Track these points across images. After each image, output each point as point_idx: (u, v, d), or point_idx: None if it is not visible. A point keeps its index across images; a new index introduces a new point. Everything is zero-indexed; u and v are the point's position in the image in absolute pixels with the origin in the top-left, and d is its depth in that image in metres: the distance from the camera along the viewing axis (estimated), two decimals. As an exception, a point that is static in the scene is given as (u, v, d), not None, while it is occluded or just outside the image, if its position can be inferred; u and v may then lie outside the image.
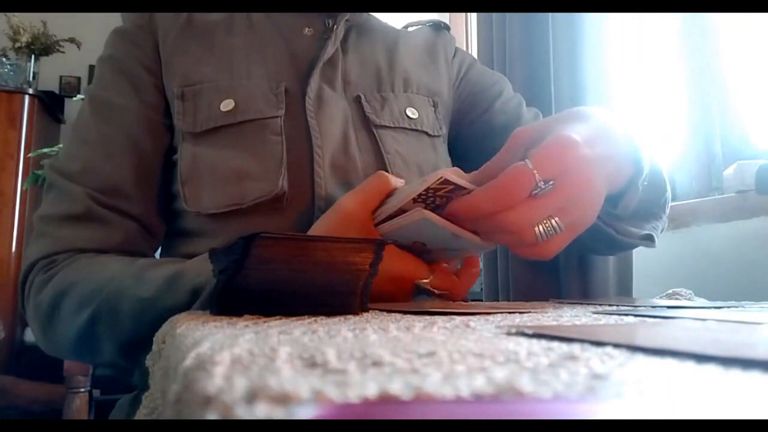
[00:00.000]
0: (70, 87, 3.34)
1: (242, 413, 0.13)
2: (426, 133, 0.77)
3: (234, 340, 0.23)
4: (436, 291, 0.56)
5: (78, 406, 1.18)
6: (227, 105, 0.69)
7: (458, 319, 0.35)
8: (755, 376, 0.17)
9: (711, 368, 0.18)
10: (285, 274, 0.39)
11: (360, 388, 0.14)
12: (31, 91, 2.94)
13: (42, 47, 3.04)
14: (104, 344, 0.60)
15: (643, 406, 0.13)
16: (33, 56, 3.06)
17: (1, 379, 2.11)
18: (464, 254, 0.58)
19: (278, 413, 0.13)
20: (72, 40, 3.06)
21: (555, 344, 0.23)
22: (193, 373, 0.18)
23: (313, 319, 0.36)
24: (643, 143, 0.58)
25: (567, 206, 0.48)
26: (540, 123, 0.55)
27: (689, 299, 0.66)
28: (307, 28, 0.77)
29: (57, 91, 3.31)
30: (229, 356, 0.19)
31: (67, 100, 3.28)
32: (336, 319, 0.36)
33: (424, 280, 0.55)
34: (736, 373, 0.17)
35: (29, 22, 2.99)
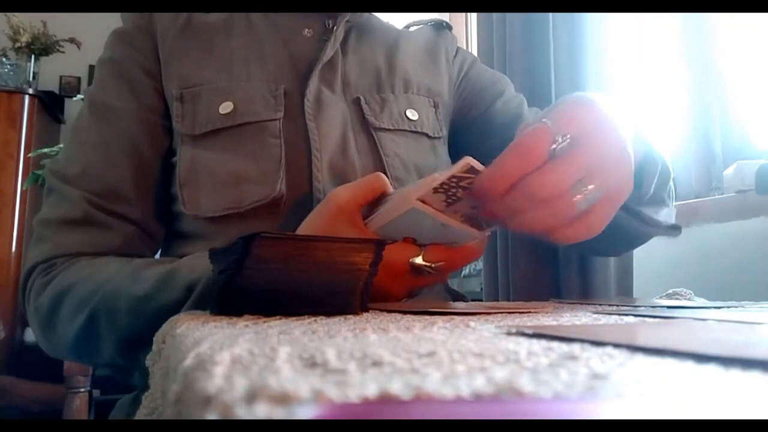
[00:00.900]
0: (70, 87, 3.34)
1: (242, 413, 0.13)
2: (426, 134, 0.76)
3: (234, 340, 0.23)
4: (432, 265, 0.52)
5: (78, 406, 1.18)
6: (226, 107, 0.69)
7: (458, 319, 0.35)
8: (755, 376, 0.17)
9: (711, 368, 0.18)
10: (285, 274, 0.39)
11: (360, 388, 0.14)
12: (31, 91, 2.95)
13: (42, 47, 3.04)
14: (103, 344, 0.60)
15: (643, 406, 0.13)
16: (33, 56, 3.07)
17: (1, 379, 2.11)
18: (456, 246, 0.57)
19: (278, 413, 0.13)
20: (72, 40, 3.06)
21: (555, 344, 0.23)
22: (193, 373, 0.18)
23: (313, 319, 0.36)
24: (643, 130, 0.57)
25: (595, 167, 0.44)
26: (545, 112, 0.54)
27: (689, 299, 0.66)
28: (306, 29, 0.76)
29: (57, 91, 3.31)
30: (229, 356, 0.19)
31: (67, 100, 3.28)
32: (336, 319, 0.36)
33: (417, 259, 0.52)
34: (736, 373, 0.17)
35: (29, 22, 2.99)
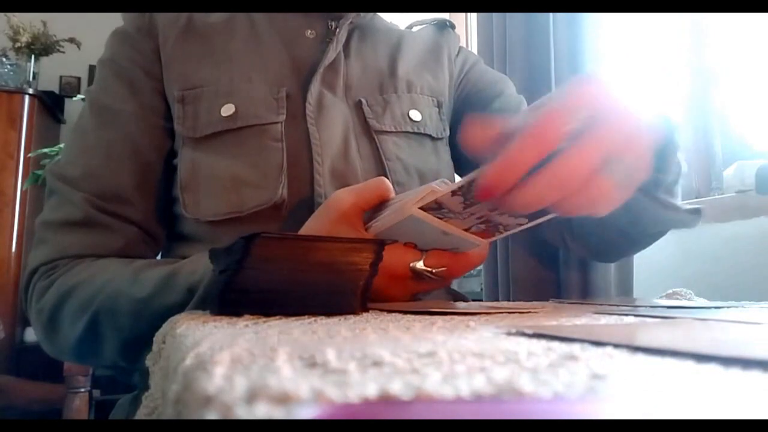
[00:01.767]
0: (70, 87, 3.35)
1: (242, 413, 0.13)
2: (429, 136, 0.76)
3: (234, 340, 0.23)
4: (433, 270, 0.52)
5: (78, 406, 1.18)
6: (227, 110, 0.68)
7: (458, 319, 0.35)
8: (755, 375, 0.17)
9: (711, 368, 0.18)
10: (285, 274, 0.39)
11: (360, 388, 0.14)
12: (31, 91, 2.95)
13: (42, 47, 3.04)
14: (106, 345, 0.60)
15: (643, 406, 0.13)
16: (33, 56, 3.07)
17: (1, 379, 2.11)
18: (458, 252, 0.56)
19: (278, 413, 0.13)
20: (72, 40, 3.06)
21: (555, 344, 0.23)
22: (193, 373, 0.18)
23: (313, 319, 0.36)
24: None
25: (618, 145, 0.41)
26: (553, 94, 0.51)
27: (689, 299, 0.66)
28: (309, 31, 0.75)
29: (57, 91, 3.32)
30: (229, 356, 0.19)
31: (67, 100, 3.28)
32: (336, 319, 0.36)
33: (418, 263, 0.52)
34: (736, 373, 0.17)
35: (29, 22, 2.99)
